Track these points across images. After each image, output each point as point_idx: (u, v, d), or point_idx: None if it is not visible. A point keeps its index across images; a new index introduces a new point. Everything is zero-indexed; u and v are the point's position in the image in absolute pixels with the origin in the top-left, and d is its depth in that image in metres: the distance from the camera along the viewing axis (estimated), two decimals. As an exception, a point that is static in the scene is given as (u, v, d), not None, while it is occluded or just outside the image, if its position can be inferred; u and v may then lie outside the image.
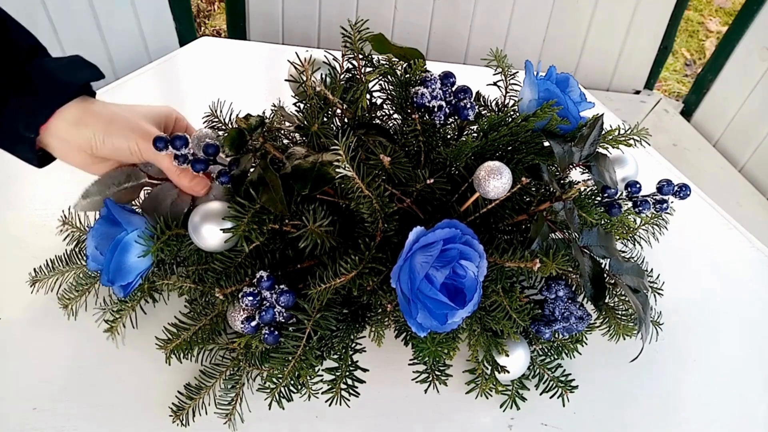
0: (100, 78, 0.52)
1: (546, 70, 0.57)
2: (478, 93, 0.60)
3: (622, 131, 0.57)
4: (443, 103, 0.52)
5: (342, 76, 0.54)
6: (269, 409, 0.49)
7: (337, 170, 0.41)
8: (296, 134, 0.53)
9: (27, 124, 0.48)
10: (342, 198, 0.47)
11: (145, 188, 0.56)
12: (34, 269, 0.59)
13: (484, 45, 1.44)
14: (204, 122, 0.58)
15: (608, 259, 0.56)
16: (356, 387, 0.48)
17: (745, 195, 1.35)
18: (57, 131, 0.48)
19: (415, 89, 0.52)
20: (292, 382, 0.48)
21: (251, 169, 0.47)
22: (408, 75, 0.54)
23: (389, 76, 0.55)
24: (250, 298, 0.45)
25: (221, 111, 0.57)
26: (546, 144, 0.55)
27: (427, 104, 0.51)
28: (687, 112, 1.58)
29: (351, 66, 0.54)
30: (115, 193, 0.53)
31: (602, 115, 0.58)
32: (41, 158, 0.51)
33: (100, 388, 0.53)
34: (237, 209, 0.45)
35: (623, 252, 0.62)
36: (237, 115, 0.51)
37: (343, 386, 0.48)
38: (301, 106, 0.54)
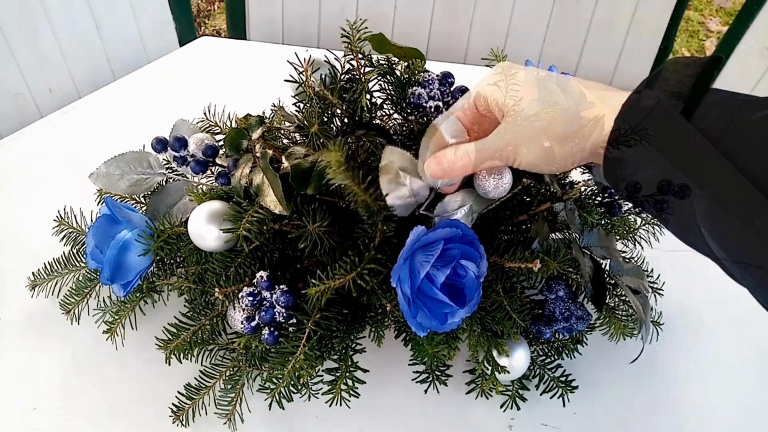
0: None
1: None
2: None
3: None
4: (440, 104, 0.52)
5: (342, 76, 0.54)
6: (269, 409, 0.49)
7: (331, 182, 0.41)
8: (296, 134, 0.53)
9: None
10: (341, 199, 0.47)
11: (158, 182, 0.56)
12: (33, 273, 0.59)
13: (485, 45, 1.44)
14: (200, 126, 0.58)
15: (608, 260, 0.56)
16: (356, 387, 0.48)
17: (746, 195, 1.34)
18: None
19: (412, 89, 0.52)
20: (292, 382, 0.48)
21: (250, 170, 0.47)
22: (407, 75, 0.54)
23: (389, 76, 0.55)
24: (250, 298, 0.45)
25: (215, 114, 0.57)
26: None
27: (424, 104, 0.51)
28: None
29: (351, 66, 0.54)
30: (131, 179, 0.55)
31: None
32: None
33: (100, 388, 0.53)
34: (237, 209, 0.45)
35: (623, 252, 0.63)
36: (236, 115, 0.51)
37: (343, 387, 0.48)
38: (301, 106, 0.54)
